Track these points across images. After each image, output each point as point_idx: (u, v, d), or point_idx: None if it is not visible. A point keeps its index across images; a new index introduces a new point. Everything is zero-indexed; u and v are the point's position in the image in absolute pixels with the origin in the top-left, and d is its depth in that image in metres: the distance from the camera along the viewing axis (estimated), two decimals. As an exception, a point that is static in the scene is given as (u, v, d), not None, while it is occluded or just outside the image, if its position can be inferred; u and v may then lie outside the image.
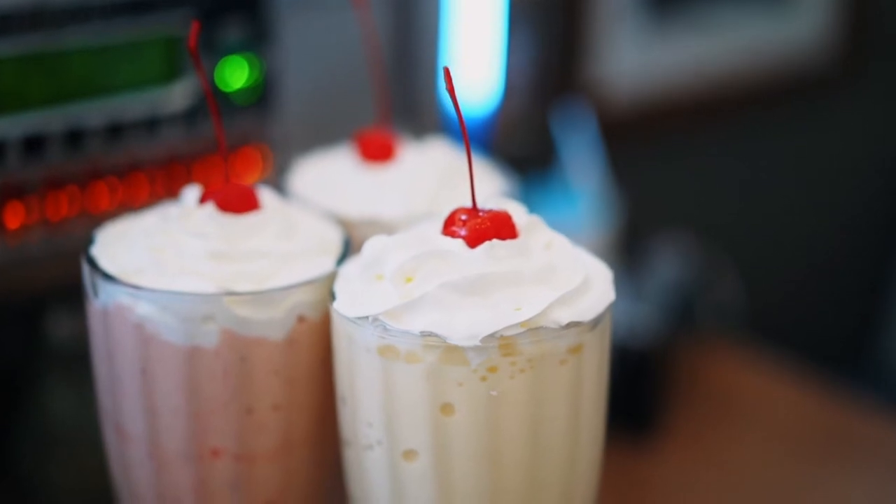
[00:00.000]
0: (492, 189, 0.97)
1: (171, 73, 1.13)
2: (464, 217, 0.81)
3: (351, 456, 0.83)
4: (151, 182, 1.13)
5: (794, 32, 2.11)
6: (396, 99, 1.28)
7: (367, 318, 0.78)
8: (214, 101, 0.84)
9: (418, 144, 1.00)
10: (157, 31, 1.11)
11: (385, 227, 0.91)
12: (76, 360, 1.17)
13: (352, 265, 0.84)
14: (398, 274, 0.79)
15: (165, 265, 0.82)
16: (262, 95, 1.18)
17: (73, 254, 1.08)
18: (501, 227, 0.80)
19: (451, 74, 0.77)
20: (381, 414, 0.79)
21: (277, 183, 1.18)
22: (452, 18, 1.31)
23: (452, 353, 0.76)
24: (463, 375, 0.77)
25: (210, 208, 0.85)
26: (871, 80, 2.26)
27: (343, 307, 0.80)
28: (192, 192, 0.88)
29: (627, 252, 1.57)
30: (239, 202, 0.86)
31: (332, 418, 0.85)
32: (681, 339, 1.53)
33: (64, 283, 1.05)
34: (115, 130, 1.11)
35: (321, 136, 1.22)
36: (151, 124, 1.12)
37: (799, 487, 1.39)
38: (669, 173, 2.02)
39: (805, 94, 2.18)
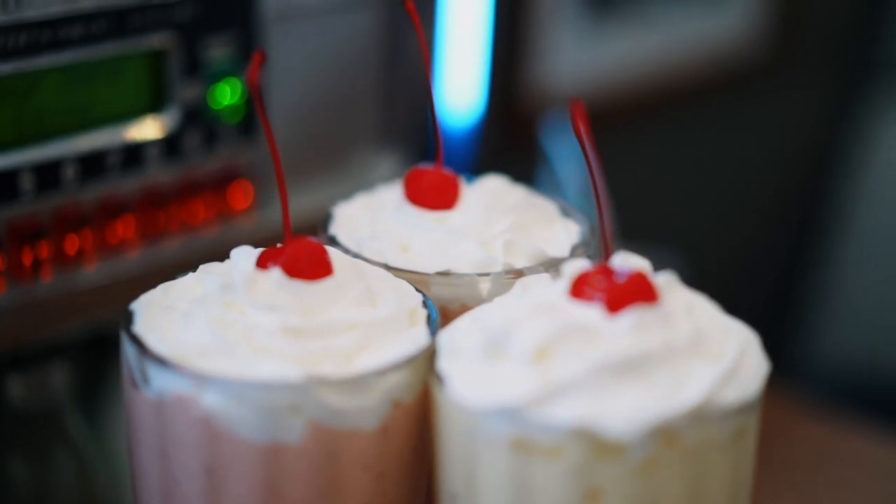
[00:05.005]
0: (571, 234, 0.85)
1: (154, 99, 0.98)
2: (597, 278, 0.68)
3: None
4: (134, 219, 0.98)
5: (726, 27, 2.09)
6: (383, 119, 1.16)
7: (495, 408, 0.65)
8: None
9: (473, 183, 0.87)
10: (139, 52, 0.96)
11: (460, 282, 0.79)
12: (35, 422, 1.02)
13: (454, 338, 0.71)
14: (531, 352, 0.66)
15: (234, 345, 0.69)
16: (246, 118, 1.04)
17: (41, 305, 0.94)
18: (641, 291, 0.68)
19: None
20: (510, 515, 0.66)
21: (259, 217, 1.05)
22: (442, 34, 1.19)
23: (606, 445, 0.64)
24: (617, 472, 0.65)
25: (277, 274, 0.71)
26: (801, 73, 2.24)
27: (463, 394, 0.67)
28: (245, 254, 0.74)
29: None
30: (310, 265, 0.72)
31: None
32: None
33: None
34: (94, 163, 0.95)
35: (308, 161, 1.10)
36: (132, 155, 0.97)
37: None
38: (610, 170, 1.94)
39: (738, 87, 2.14)
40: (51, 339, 0.99)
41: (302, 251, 0.72)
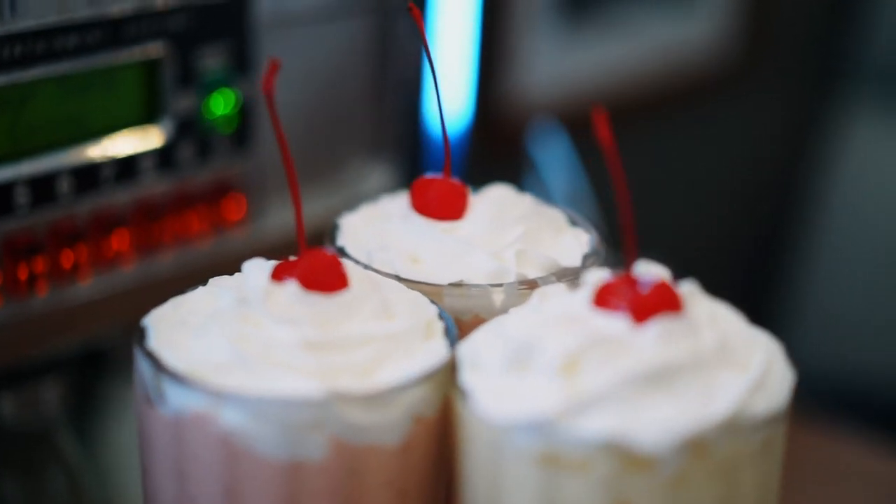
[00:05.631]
0: (580, 243, 0.84)
1: (148, 110, 0.97)
2: (621, 288, 0.67)
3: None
4: (129, 232, 0.97)
5: (696, 34, 2.10)
6: (375, 128, 1.14)
7: (523, 421, 0.64)
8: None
9: (480, 192, 0.86)
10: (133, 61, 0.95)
11: (473, 293, 0.77)
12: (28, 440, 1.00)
13: (475, 350, 0.70)
14: (558, 364, 0.65)
15: (252, 360, 0.67)
16: (239, 128, 1.02)
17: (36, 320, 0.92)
18: (666, 300, 0.67)
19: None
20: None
21: (253, 229, 1.04)
22: (433, 42, 1.18)
23: (636, 459, 0.63)
24: (647, 485, 0.64)
25: (294, 287, 0.70)
26: (770, 78, 2.25)
27: (488, 408, 0.65)
28: (258, 267, 0.73)
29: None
30: (327, 277, 0.71)
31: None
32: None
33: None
34: (88, 175, 0.94)
35: (300, 172, 1.08)
36: (127, 167, 0.96)
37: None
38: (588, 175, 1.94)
39: (710, 92, 2.15)
40: (45, 355, 0.97)
41: (318, 263, 0.71)
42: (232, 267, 1.02)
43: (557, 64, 1.82)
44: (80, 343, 0.98)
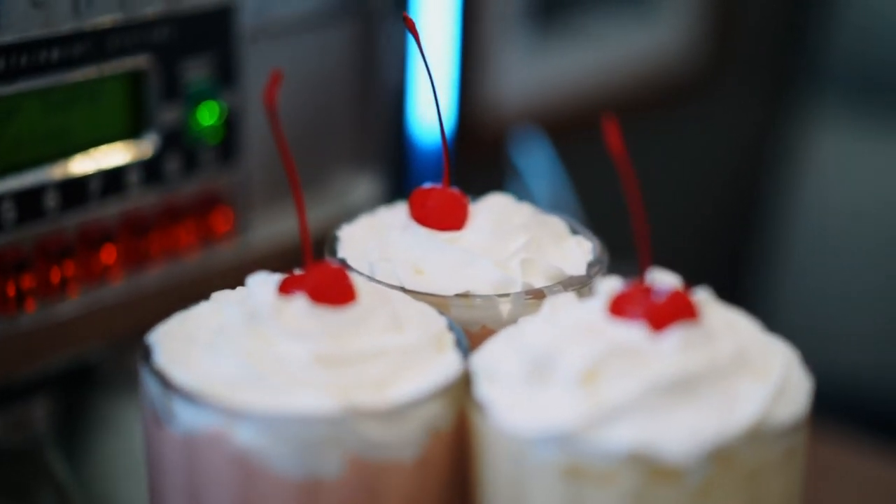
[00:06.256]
0: (583, 251, 0.83)
1: (133, 123, 0.95)
2: (637, 296, 0.67)
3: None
4: (117, 246, 0.95)
5: (663, 41, 2.11)
6: (358, 139, 1.13)
7: (546, 434, 0.63)
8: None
9: (477, 201, 0.85)
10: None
11: (480, 303, 0.77)
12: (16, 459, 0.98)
13: (490, 362, 0.69)
14: (579, 375, 0.64)
15: (265, 376, 0.66)
16: (225, 140, 1.01)
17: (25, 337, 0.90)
18: (683, 308, 0.67)
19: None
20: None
21: (241, 242, 1.02)
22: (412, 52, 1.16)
23: (662, 470, 0.62)
24: (673, 496, 0.63)
25: (302, 301, 0.68)
26: (736, 84, 2.26)
27: (509, 421, 0.64)
28: (264, 281, 0.71)
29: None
30: (335, 290, 0.70)
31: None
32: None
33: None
34: (75, 190, 0.92)
35: (286, 184, 1.07)
36: (113, 180, 0.94)
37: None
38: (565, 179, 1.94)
39: (677, 98, 2.16)
40: (32, 372, 0.95)
41: (327, 276, 0.70)
42: (220, 280, 1.00)
43: (529, 72, 1.82)
44: (69, 359, 0.96)
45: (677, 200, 2.28)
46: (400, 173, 1.15)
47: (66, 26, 0.89)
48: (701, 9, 2.15)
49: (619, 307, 0.67)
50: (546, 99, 1.86)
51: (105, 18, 0.91)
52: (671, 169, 2.23)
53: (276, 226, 1.06)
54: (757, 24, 2.28)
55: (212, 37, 0.97)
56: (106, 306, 0.95)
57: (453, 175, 1.28)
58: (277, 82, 0.69)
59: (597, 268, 0.81)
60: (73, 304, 0.93)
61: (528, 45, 1.82)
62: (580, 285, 0.78)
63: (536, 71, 1.84)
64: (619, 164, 0.65)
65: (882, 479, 1.31)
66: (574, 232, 0.85)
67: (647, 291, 0.67)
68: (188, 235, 1.00)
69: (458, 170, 1.35)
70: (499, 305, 0.77)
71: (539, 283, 0.78)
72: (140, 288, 0.97)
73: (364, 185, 1.13)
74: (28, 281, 0.90)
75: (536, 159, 1.43)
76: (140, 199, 0.96)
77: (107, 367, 1.02)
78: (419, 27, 1.16)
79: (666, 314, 0.66)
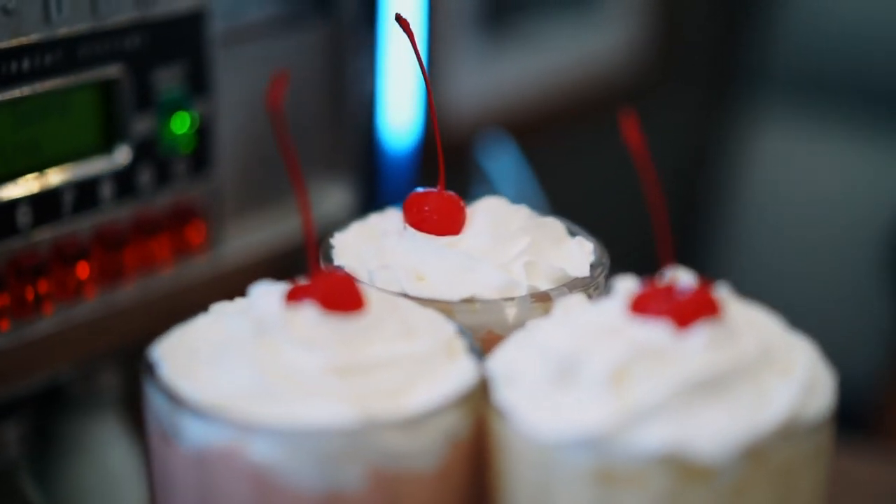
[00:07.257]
0: (584, 252, 0.81)
1: (105, 133, 0.92)
2: (659, 295, 0.65)
3: None
4: (90, 262, 0.92)
5: (608, 46, 2.12)
6: (331, 146, 1.11)
7: (575, 438, 0.61)
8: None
9: (472, 204, 0.83)
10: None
11: (486, 308, 0.75)
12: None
13: (509, 367, 0.67)
14: (607, 376, 0.62)
15: (278, 387, 0.63)
16: (197, 150, 0.98)
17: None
18: (706, 306, 0.65)
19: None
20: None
21: (214, 255, 1.00)
22: (382, 58, 1.14)
23: (694, 470, 0.61)
24: (706, 496, 0.62)
25: (312, 309, 0.66)
26: (681, 86, 2.28)
27: (535, 426, 0.63)
28: (268, 291, 0.69)
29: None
30: (346, 298, 0.67)
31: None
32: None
33: None
34: (48, 204, 0.89)
35: (259, 194, 1.04)
36: (86, 193, 0.91)
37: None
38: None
39: (624, 101, 2.16)
40: (6, 394, 0.91)
41: (336, 284, 0.67)
42: (195, 294, 0.98)
43: (481, 78, 1.82)
44: (43, 379, 0.93)
45: (623, 198, 2.28)
46: (372, 181, 1.12)
47: (34, 35, 0.86)
48: (645, 13, 2.17)
49: (641, 306, 0.65)
50: (500, 103, 1.86)
51: (77, 27, 0.88)
52: (618, 171, 2.23)
53: (248, 238, 1.03)
54: (700, 27, 2.30)
55: (184, 44, 0.95)
56: (81, 323, 0.92)
57: (420, 181, 1.27)
58: (283, 84, 0.67)
59: (600, 269, 0.79)
60: (47, 322, 0.90)
61: (479, 52, 1.82)
62: (586, 287, 0.77)
63: (489, 76, 1.84)
64: (636, 157, 0.64)
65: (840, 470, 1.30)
66: (572, 234, 0.84)
67: (670, 289, 0.65)
68: (162, 249, 0.97)
69: (424, 175, 1.33)
70: (504, 309, 0.75)
71: (543, 285, 0.77)
72: (115, 303, 0.94)
73: (337, 194, 1.10)
74: (1, 300, 0.87)
75: (502, 162, 1.41)
76: (114, 213, 0.93)
77: (79, 387, 0.99)
78: (385, 34, 1.15)
79: (690, 312, 0.64)
